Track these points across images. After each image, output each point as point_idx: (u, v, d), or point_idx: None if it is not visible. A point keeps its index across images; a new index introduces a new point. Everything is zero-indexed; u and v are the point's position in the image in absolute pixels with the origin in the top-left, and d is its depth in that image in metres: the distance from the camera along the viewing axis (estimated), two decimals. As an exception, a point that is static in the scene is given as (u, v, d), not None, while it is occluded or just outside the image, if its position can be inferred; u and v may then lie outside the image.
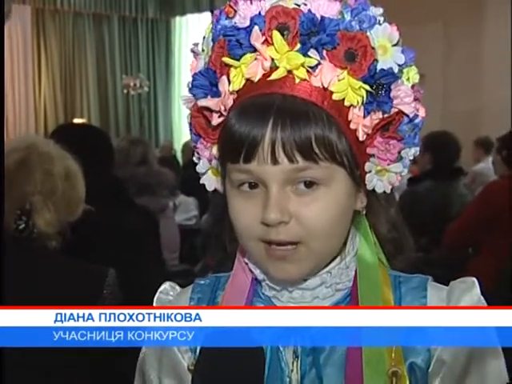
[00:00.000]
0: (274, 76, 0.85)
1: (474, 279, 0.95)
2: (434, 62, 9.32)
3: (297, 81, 0.86)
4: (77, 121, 12.74)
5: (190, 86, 0.93)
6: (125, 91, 13.50)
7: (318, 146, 0.84)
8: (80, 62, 13.93)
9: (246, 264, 0.98)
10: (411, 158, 0.93)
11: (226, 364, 0.79)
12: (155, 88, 14.40)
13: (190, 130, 0.97)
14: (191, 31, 13.73)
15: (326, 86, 0.85)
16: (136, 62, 14.51)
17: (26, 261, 1.60)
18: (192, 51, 0.96)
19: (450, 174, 4.20)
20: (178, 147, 10.23)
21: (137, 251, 2.57)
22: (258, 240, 0.88)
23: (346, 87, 0.85)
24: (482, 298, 0.94)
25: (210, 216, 3.79)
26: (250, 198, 0.88)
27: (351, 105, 0.87)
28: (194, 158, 1.00)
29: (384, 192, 0.94)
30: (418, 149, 0.93)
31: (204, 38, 0.94)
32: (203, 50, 0.93)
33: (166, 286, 1.06)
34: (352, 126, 0.87)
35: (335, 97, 0.86)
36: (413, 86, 0.90)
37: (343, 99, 0.86)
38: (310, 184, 0.86)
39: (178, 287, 1.07)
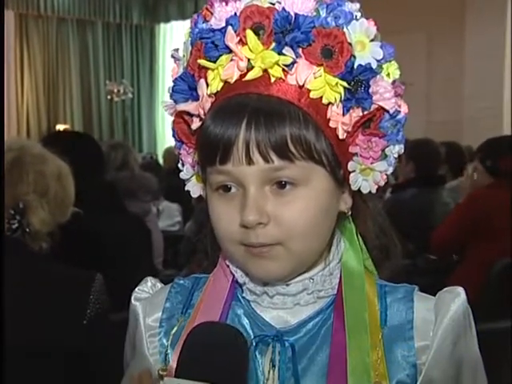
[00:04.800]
0: (249, 76, 0.84)
1: (461, 288, 0.94)
2: (417, 72, 9.41)
3: (272, 80, 0.84)
4: (60, 126, 12.70)
5: (171, 91, 0.92)
6: (108, 97, 13.47)
7: (294, 144, 0.82)
8: (63, 67, 13.88)
9: (228, 266, 0.96)
10: (396, 155, 0.91)
11: (209, 355, 0.78)
12: (139, 94, 14.38)
13: (173, 136, 0.96)
14: (175, 38, 13.74)
15: (301, 84, 0.83)
16: (120, 69, 14.49)
17: (12, 264, 1.58)
18: (172, 57, 0.95)
19: (433, 181, 4.23)
20: (161, 153, 10.21)
21: (127, 258, 2.56)
22: (238, 243, 0.87)
23: (322, 84, 0.84)
24: (469, 306, 0.93)
25: (193, 222, 3.79)
26: (228, 200, 0.86)
27: (329, 102, 0.85)
28: (179, 165, 0.98)
29: (370, 193, 0.92)
30: (402, 146, 0.91)
31: (184, 43, 0.92)
32: (183, 56, 0.92)
33: (146, 282, 1.05)
34: (331, 124, 0.85)
35: (312, 95, 0.84)
36: (394, 82, 0.88)
37: (321, 97, 0.84)
38: (287, 184, 0.84)
39: (159, 284, 1.05)
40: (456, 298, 0.92)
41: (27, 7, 13.27)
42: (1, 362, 1.38)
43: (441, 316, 0.91)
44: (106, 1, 14.12)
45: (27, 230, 1.64)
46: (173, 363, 0.90)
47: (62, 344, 1.52)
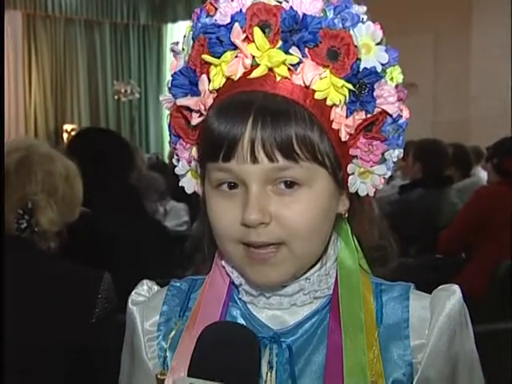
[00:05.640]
0: (254, 74, 0.83)
1: (457, 286, 0.94)
2: (424, 73, 9.39)
3: (278, 79, 0.83)
4: (67, 126, 12.72)
5: (170, 85, 0.91)
6: (116, 97, 13.49)
7: (299, 145, 0.81)
8: (71, 67, 13.89)
9: (223, 268, 0.95)
10: (395, 159, 0.91)
11: (222, 355, 0.78)
12: (146, 94, 14.38)
13: (170, 131, 0.95)
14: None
15: (307, 84, 0.83)
16: (127, 69, 14.50)
17: (20, 263, 1.59)
18: (172, 50, 0.94)
19: (441, 182, 4.23)
20: (167, 154, 10.22)
21: (145, 260, 2.56)
22: (238, 242, 0.85)
23: (328, 86, 0.83)
24: (465, 304, 0.93)
25: (200, 222, 3.77)
26: (229, 198, 0.85)
27: (334, 104, 0.84)
28: (174, 160, 0.97)
29: (367, 195, 0.92)
30: (401, 151, 0.91)
31: (184, 36, 0.92)
32: (183, 49, 0.91)
33: (143, 286, 1.04)
34: (334, 125, 0.85)
35: (317, 96, 0.84)
36: (396, 86, 0.88)
37: (325, 98, 0.84)
38: (290, 184, 0.83)
39: (155, 287, 1.04)
40: (451, 296, 0.92)
41: (35, 7, 13.29)
42: (2, 360, 1.39)
43: (436, 314, 0.91)
44: (114, 1, 14.13)
45: (36, 229, 1.65)
46: (172, 366, 0.91)
47: (69, 342, 1.53)
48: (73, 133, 12.68)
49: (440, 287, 0.95)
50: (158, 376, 0.92)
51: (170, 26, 14.53)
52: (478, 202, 3.53)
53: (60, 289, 1.59)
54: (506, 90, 8.83)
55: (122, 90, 13.14)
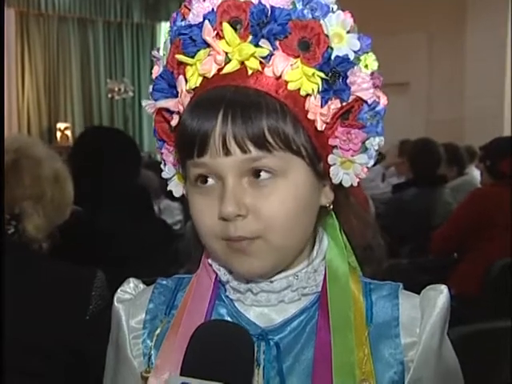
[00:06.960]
0: (226, 69, 0.84)
1: (444, 285, 0.94)
2: (418, 72, 9.41)
3: (250, 72, 0.84)
4: (61, 125, 12.68)
5: (151, 90, 0.92)
6: (109, 96, 13.48)
7: (272, 135, 0.82)
8: (64, 66, 13.87)
9: (210, 265, 0.96)
10: (376, 147, 0.90)
11: (215, 353, 0.78)
12: (140, 93, 14.37)
13: (155, 135, 0.96)
14: (176, 37, 13.72)
15: (278, 75, 0.83)
16: (121, 67, 14.49)
17: (14, 263, 1.58)
18: (153, 56, 0.95)
19: (434, 181, 4.24)
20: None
21: (144, 260, 2.56)
22: (219, 238, 0.86)
23: (300, 76, 0.84)
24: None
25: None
26: (207, 194, 0.86)
27: (307, 94, 0.85)
28: (161, 165, 0.98)
29: (352, 187, 0.91)
30: (382, 138, 0.90)
31: (164, 42, 0.92)
32: (163, 55, 0.92)
33: (129, 284, 1.04)
34: (310, 115, 0.85)
35: (290, 86, 0.84)
36: (372, 73, 0.88)
37: (299, 89, 0.84)
38: (265, 175, 0.83)
39: (142, 285, 1.04)
40: (441, 295, 0.93)
41: (28, 5, 13.25)
42: (2, 360, 1.38)
43: (427, 313, 0.91)
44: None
45: (23, 235, 1.63)
46: (157, 364, 0.91)
47: (65, 340, 1.52)
48: (66, 131, 12.68)
49: (428, 287, 0.95)
50: (143, 374, 0.93)
51: (163, 24, 14.51)
52: (474, 203, 3.53)
53: (54, 288, 1.59)
54: (501, 89, 8.87)
55: (116, 89, 13.12)
